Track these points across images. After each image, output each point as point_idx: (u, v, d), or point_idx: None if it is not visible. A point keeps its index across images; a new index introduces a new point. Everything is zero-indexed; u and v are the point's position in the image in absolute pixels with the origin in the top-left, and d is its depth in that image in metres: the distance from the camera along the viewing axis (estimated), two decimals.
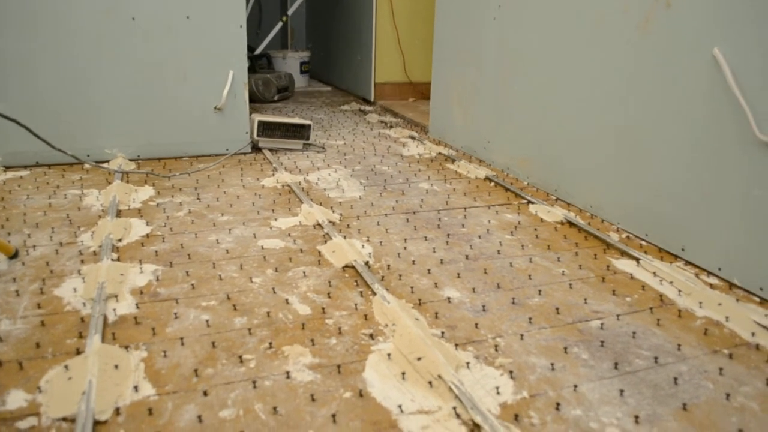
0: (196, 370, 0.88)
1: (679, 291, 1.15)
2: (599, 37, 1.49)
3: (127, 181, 1.79)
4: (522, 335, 0.99)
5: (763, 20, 1.07)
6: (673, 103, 1.28)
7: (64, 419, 0.77)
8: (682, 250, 1.30)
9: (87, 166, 1.96)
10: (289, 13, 3.53)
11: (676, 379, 0.87)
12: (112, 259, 1.23)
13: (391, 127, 2.72)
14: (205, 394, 0.83)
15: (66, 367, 0.87)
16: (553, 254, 1.33)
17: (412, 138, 2.48)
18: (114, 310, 1.03)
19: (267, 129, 2.18)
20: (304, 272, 1.20)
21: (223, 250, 1.31)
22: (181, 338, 0.96)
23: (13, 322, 1.00)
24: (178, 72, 2.01)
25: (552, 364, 0.91)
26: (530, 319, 1.04)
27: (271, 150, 2.21)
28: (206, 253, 1.29)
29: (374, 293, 1.11)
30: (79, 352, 0.91)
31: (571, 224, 1.50)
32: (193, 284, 1.14)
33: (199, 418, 0.78)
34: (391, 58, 3.27)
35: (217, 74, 2.07)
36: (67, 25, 1.85)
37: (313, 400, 0.82)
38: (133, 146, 2.04)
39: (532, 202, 1.65)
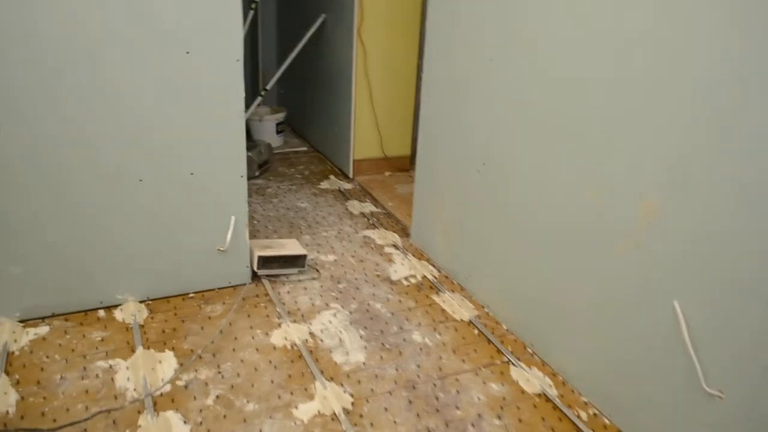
0: None
1: None
2: (579, 243, 1.74)
3: (147, 344, 1.97)
4: None
5: (716, 283, 1.32)
6: (632, 335, 1.55)
7: None
8: None
9: (102, 314, 2.14)
10: (268, 87, 3.66)
11: None
12: None
13: (374, 226, 2.94)
14: None
15: None
16: None
17: (396, 247, 2.71)
18: None
19: (266, 262, 2.39)
20: None
21: None
22: None
23: None
24: (183, 222, 2.18)
25: None
26: None
27: (269, 278, 2.41)
28: None
29: None
30: None
31: (547, 399, 1.77)
32: None
33: None
34: (369, 137, 3.46)
35: (220, 220, 2.24)
36: (83, 189, 1.98)
37: None
38: (142, 289, 2.22)
39: (513, 363, 1.91)
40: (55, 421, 1.66)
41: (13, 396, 1.73)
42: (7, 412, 1.67)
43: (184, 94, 2.01)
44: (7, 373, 1.82)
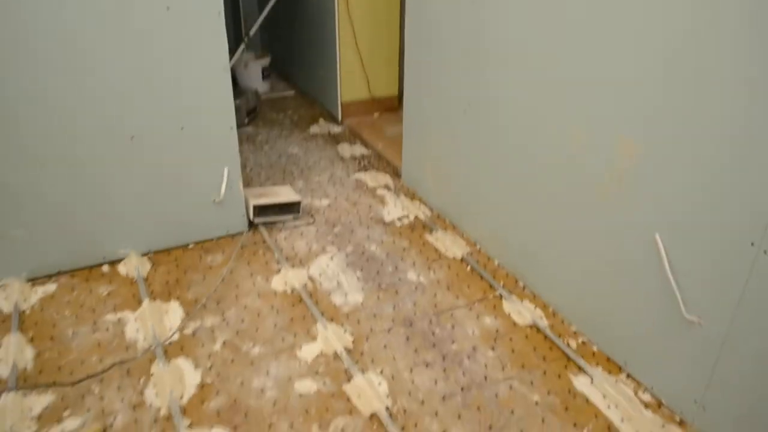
0: None
1: (622, 418, 1.55)
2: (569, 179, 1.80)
3: (153, 296, 2.05)
4: None
5: (698, 216, 1.38)
6: (615, 265, 1.63)
7: None
8: (625, 363, 1.70)
9: (106, 269, 2.21)
10: (251, 33, 3.62)
11: None
12: (186, 427, 1.55)
13: (365, 168, 2.98)
14: None
15: None
16: (527, 374, 1.71)
17: (388, 189, 2.76)
18: None
19: (262, 210, 2.44)
20: (342, 428, 1.56)
21: (270, 401, 1.64)
22: None
23: None
24: (179, 174, 2.22)
25: None
26: None
27: (265, 225, 2.48)
28: (258, 408, 1.62)
29: None
30: None
31: (538, 329, 1.87)
32: None
33: None
34: (356, 78, 3.45)
35: (213, 172, 2.28)
36: (77, 149, 2.02)
37: None
38: (143, 242, 2.28)
39: (505, 297, 2.00)
40: (72, 373, 1.75)
41: (29, 352, 1.82)
42: (26, 368, 1.76)
43: (168, 50, 2.02)
44: (20, 330, 1.90)
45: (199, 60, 2.08)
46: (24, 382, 1.71)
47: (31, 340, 1.87)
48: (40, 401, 1.64)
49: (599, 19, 1.53)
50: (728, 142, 1.28)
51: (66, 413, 1.61)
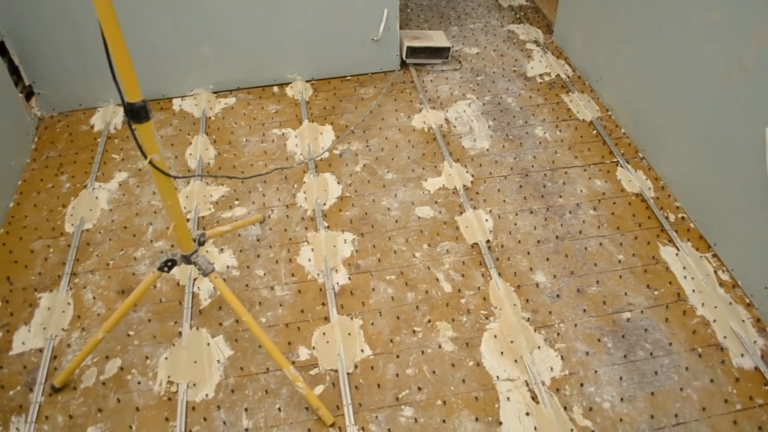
0: (391, 339, 1.65)
1: (693, 289, 1.73)
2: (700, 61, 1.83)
3: (311, 118, 2.43)
4: (576, 324, 1.67)
5: None
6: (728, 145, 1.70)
7: (332, 370, 1.59)
8: (715, 244, 1.83)
9: (275, 90, 2.61)
10: None
11: (656, 372, 1.54)
12: (324, 227, 1.96)
13: (520, 21, 3.03)
14: (398, 356, 1.61)
15: (323, 333, 1.67)
16: (619, 236, 1.90)
17: (537, 44, 2.83)
18: (337, 283, 1.80)
19: (414, 52, 2.66)
20: (447, 249, 1.89)
21: (393, 219, 1.99)
22: (379, 311, 1.72)
23: (282, 288, 1.80)
24: (344, 12, 2.47)
25: (587, 352, 1.60)
26: (584, 309, 1.70)
27: (416, 66, 2.71)
28: (382, 222, 1.98)
29: (491, 277, 1.79)
30: (326, 319, 1.71)
31: (642, 199, 2.02)
32: (378, 258, 1.87)
33: (397, 374, 1.57)
34: None
35: (374, 12, 2.50)
36: None
37: (453, 365, 1.59)
38: (308, 70, 2.63)
39: (621, 165, 2.14)
40: (243, 172, 2.20)
41: (212, 151, 2.29)
42: (209, 163, 2.24)
43: None
44: (206, 133, 2.37)
45: None
46: (207, 173, 2.20)
47: (214, 141, 2.34)
48: (218, 190, 2.12)
49: None
50: None
51: (236, 202, 2.07)
